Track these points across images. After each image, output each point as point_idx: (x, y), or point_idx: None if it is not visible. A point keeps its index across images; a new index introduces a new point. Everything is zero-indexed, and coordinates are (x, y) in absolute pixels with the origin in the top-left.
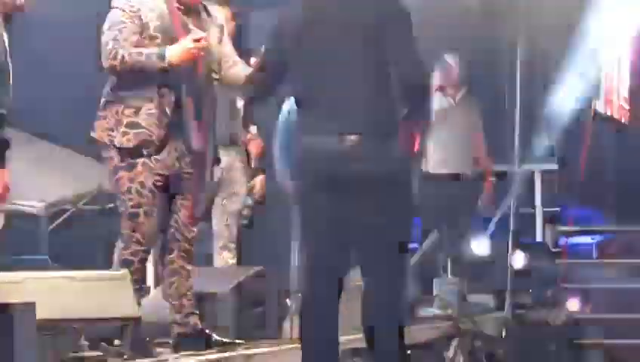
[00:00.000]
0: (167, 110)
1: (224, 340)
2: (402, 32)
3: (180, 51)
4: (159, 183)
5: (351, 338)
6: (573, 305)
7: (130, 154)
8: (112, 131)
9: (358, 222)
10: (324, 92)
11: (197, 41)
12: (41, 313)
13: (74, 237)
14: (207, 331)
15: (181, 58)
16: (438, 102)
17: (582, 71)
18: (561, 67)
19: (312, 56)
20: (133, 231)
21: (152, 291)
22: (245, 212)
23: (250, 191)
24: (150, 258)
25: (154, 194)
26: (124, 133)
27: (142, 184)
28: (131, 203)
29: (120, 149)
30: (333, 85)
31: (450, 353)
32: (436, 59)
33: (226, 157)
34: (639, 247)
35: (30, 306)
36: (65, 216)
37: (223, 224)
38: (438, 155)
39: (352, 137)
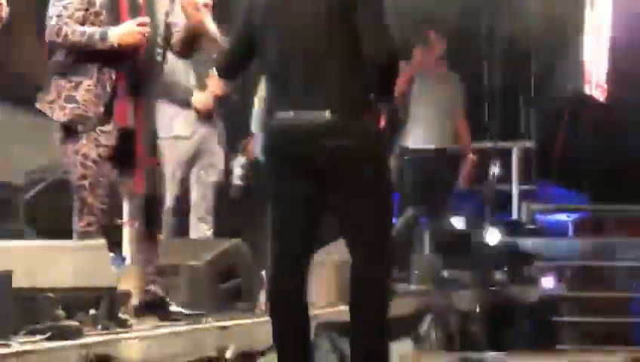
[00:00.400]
0: (107, 87)
1: (184, 311)
2: (370, 8)
3: (122, 33)
4: (104, 155)
5: (324, 312)
6: (547, 282)
7: (68, 127)
8: (52, 104)
9: (335, 198)
10: (294, 68)
11: (141, 25)
12: (18, 281)
13: (51, 207)
14: (167, 300)
15: (124, 40)
16: (418, 77)
17: (562, 51)
18: (541, 46)
19: (281, 32)
20: (83, 203)
21: (128, 261)
22: (239, 172)
23: (243, 150)
24: (127, 228)
25: (99, 166)
26: (62, 108)
27: (85, 156)
28: (76, 175)
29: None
30: (303, 61)
31: (424, 328)
32: (417, 34)
33: (203, 129)
34: (614, 225)
35: (6, 274)
36: (43, 184)
37: (199, 196)
38: (418, 131)
39: (323, 113)
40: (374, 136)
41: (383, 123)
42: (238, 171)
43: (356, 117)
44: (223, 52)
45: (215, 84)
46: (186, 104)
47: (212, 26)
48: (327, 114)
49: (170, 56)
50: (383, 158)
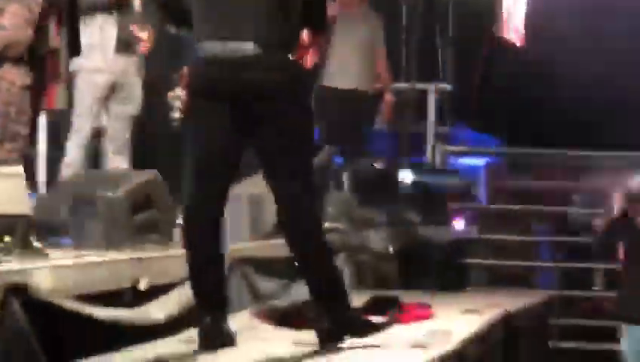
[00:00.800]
0: (36, 11)
1: None
2: None
3: None
4: (31, 83)
5: (238, 247)
6: (459, 224)
7: None
8: None
9: (257, 132)
10: (222, 2)
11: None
12: None
13: None
14: None
15: None
16: (339, 17)
17: None
18: None
19: None
20: (6, 130)
21: (43, 190)
22: (179, 104)
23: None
24: (42, 159)
25: (25, 93)
26: None
27: (12, 83)
28: (1, 101)
29: None
30: None
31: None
32: None
33: (120, 61)
34: (528, 170)
35: None
36: None
37: (116, 128)
38: (338, 69)
39: (247, 45)
40: (299, 71)
41: (310, 60)
42: (177, 104)
43: (282, 51)
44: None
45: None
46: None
47: None
48: (253, 46)
49: None
50: (307, 94)
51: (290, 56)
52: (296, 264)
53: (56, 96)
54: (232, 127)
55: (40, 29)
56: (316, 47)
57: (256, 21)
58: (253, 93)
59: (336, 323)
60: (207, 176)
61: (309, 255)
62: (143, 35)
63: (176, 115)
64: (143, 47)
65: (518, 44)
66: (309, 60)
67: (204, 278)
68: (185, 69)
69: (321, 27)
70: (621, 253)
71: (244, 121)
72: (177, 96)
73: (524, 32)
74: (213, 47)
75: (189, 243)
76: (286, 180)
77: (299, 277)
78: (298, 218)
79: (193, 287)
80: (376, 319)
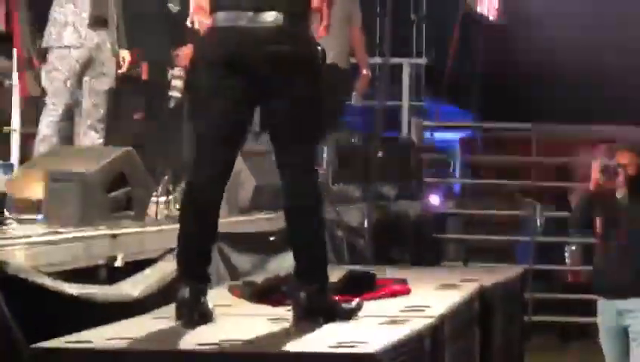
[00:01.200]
0: None
1: None
2: None
3: None
4: None
5: (230, 221)
6: (434, 199)
7: None
8: None
9: (269, 102)
10: None
11: None
12: None
13: None
14: None
15: None
16: None
17: None
18: None
19: None
20: None
21: (17, 169)
22: (177, 83)
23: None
24: (15, 136)
25: None
26: None
27: None
28: None
29: None
30: None
31: None
32: None
33: (94, 37)
34: (503, 144)
35: None
36: None
37: (91, 103)
38: None
39: (267, 15)
40: (314, 42)
41: (323, 30)
42: (175, 83)
43: (302, 22)
44: None
45: None
46: None
47: None
48: (274, 17)
49: None
50: (320, 66)
51: (307, 24)
52: (290, 237)
53: (29, 83)
54: (245, 99)
55: None
56: (327, 15)
57: None
58: (272, 66)
59: (314, 302)
60: (217, 149)
61: (307, 229)
62: (125, 54)
63: (176, 93)
64: (126, 68)
65: (492, 19)
66: (322, 30)
67: (194, 249)
68: (182, 49)
69: None
70: (598, 227)
71: (258, 93)
72: (177, 75)
73: (498, 6)
74: (229, 17)
75: (189, 213)
76: (296, 155)
77: (277, 251)
78: (303, 191)
79: (179, 255)
80: (350, 301)
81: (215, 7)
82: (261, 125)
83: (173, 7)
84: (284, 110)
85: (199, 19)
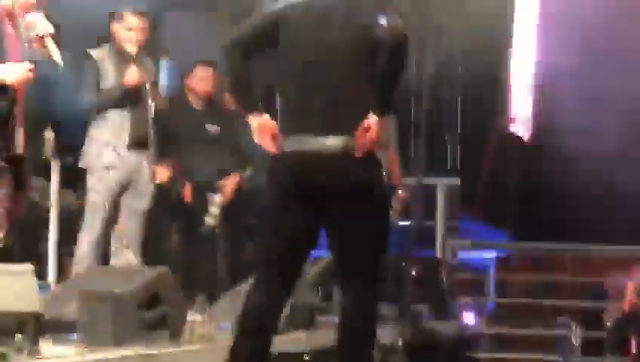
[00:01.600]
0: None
1: None
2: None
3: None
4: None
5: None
6: (469, 318)
7: None
8: None
9: (335, 226)
10: (314, 95)
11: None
12: None
13: None
14: None
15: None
16: None
17: (485, 88)
18: (466, 83)
19: (308, 62)
20: None
21: (54, 287)
22: (215, 211)
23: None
24: (52, 255)
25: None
26: None
27: None
28: None
29: None
30: (325, 90)
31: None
32: None
33: (134, 157)
34: (537, 264)
35: None
36: None
37: (127, 223)
38: None
39: (335, 138)
40: (379, 165)
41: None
42: (213, 210)
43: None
44: (242, 31)
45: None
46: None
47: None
48: (341, 140)
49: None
50: (385, 190)
51: (374, 150)
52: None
53: None
54: (311, 222)
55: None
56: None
57: (347, 115)
58: (338, 189)
59: None
60: (278, 275)
61: (357, 352)
62: (161, 170)
63: (210, 220)
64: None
65: (525, 138)
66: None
67: None
68: (228, 178)
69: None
70: (633, 347)
71: (323, 216)
72: (216, 202)
73: (532, 125)
74: (296, 141)
75: (247, 332)
76: (360, 277)
77: None
78: (363, 313)
79: None
80: None
81: (282, 131)
82: (328, 246)
83: (212, 127)
84: (351, 234)
85: (265, 144)
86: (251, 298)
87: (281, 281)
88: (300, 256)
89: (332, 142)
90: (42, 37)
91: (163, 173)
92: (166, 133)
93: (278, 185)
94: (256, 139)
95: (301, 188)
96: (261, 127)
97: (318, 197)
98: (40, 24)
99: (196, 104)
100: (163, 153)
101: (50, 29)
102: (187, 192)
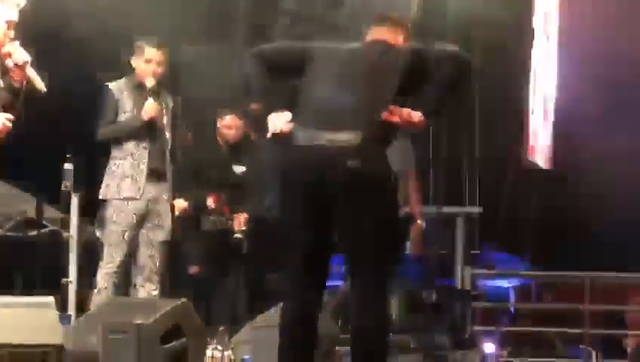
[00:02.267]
0: None
1: None
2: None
3: None
4: None
5: None
6: (489, 347)
7: None
8: None
9: (346, 221)
10: (337, 100)
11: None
12: None
13: None
14: None
15: None
16: None
17: (504, 116)
18: (484, 112)
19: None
20: None
21: (74, 319)
22: (238, 236)
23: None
24: (72, 287)
25: None
26: None
27: None
28: None
29: None
30: (350, 96)
31: None
32: None
33: (151, 189)
34: (557, 291)
35: None
36: None
37: (147, 255)
38: None
39: (348, 135)
40: (388, 162)
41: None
42: (237, 236)
43: (379, 141)
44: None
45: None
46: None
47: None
48: (352, 135)
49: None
50: (394, 185)
51: (384, 147)
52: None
53: None
54: (326, 217)
55: None
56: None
57: (364, 114)
58: (349, 183)
59: None
60: (308, 275)
61: (370, 351)
62: (179, 203)
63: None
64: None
65: (544, 167)
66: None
67: None
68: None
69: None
70: None
71: (336, 211)
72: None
73: (551, 154)
74: (308, 136)
75: (287, 344)
76: (370, 274)
77: None
78: (373, 313)
79: None
80: None
81: (301, 123)
82: (338, 243)
83: (238, 168)
84: (360, 228)
85: (276, 126)
86: (286, 308)
87: (312, 281)
88: (324, 251)
89: (342, 136)
90: (22, 66)
91: (181, 206)
92: (189, 167)
93: (290, 180)
94: (270, 128)
95: (313, 182)
96: (277, 116)
97: (330, 188)
98: (17, 53)
99: (224, 146)
100: (184, 187)
101: (28, 58)
102: (237, 221)
